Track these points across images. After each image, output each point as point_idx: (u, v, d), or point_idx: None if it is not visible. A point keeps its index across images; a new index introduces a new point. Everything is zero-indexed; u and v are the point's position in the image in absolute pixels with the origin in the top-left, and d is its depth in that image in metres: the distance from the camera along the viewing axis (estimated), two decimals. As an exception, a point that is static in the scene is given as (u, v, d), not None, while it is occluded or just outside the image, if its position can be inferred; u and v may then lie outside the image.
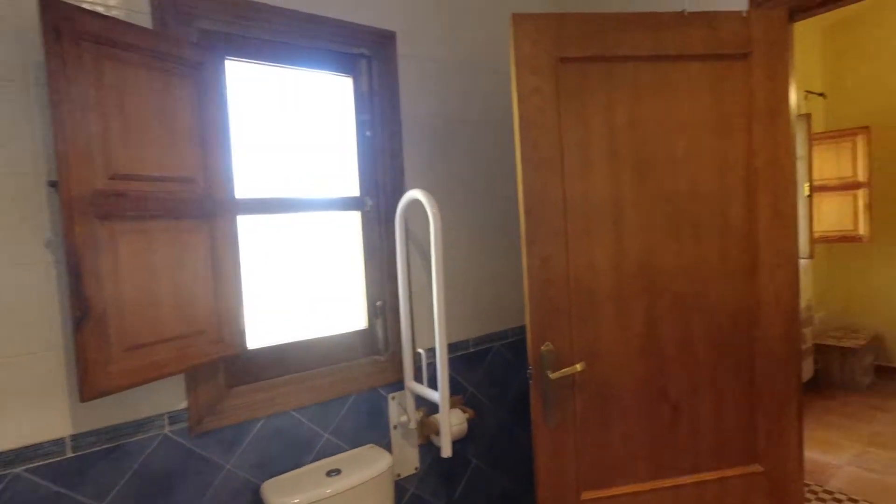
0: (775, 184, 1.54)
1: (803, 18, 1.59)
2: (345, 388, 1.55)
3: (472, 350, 1.90)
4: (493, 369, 1.96)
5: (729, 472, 1.59)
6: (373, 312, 1.65)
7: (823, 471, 2.79)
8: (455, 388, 1.84)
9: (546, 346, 1.42)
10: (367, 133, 1.59)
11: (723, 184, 1.52)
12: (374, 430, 1.64)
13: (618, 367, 1.49)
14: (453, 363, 1.84)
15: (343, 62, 1.56)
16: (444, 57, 1.79)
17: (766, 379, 1.58)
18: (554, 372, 1.40)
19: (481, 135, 1.91)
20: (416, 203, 1.51)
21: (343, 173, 1.62)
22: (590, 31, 1.40)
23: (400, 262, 1.61)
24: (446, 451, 1.50)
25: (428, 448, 1.77)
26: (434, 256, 1.45)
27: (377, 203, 1.63)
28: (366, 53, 1.56)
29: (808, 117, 2.84)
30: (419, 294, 1.71)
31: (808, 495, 2.57)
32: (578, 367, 1.41)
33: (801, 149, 2.84)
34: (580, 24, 1.40)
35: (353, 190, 1.62)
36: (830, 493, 2.59)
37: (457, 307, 1.85)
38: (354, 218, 1.63)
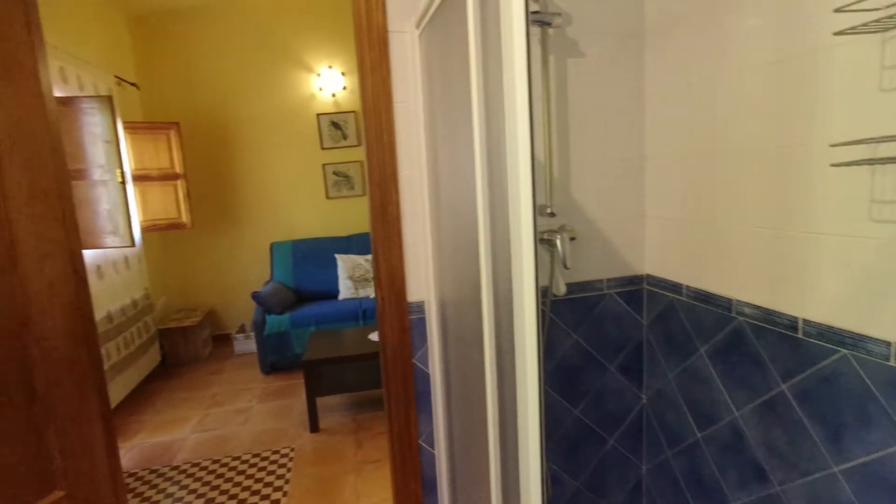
0: (30, 157, 1.28)
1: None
2: None
3: None
4: None
5: (20, 519, 1.25)
6: None
7: (170, 449, 2.89)
8: None
9: None
10: None
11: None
12: None
13: None
14: None
15: None
16: None
17: (53, 387, 1.33)
18: None
19: None
20: None
21: None
22: None
23: None
24: None
25: None
26: None
27: None
28: None
29: (110, 100, 2.73)
30: None
31: (157, 480, 2.58)
32: None
33: (108, 133, 2.71)
34: None
35: None
36: (177, 467, 2.69)
37: None
38: None
